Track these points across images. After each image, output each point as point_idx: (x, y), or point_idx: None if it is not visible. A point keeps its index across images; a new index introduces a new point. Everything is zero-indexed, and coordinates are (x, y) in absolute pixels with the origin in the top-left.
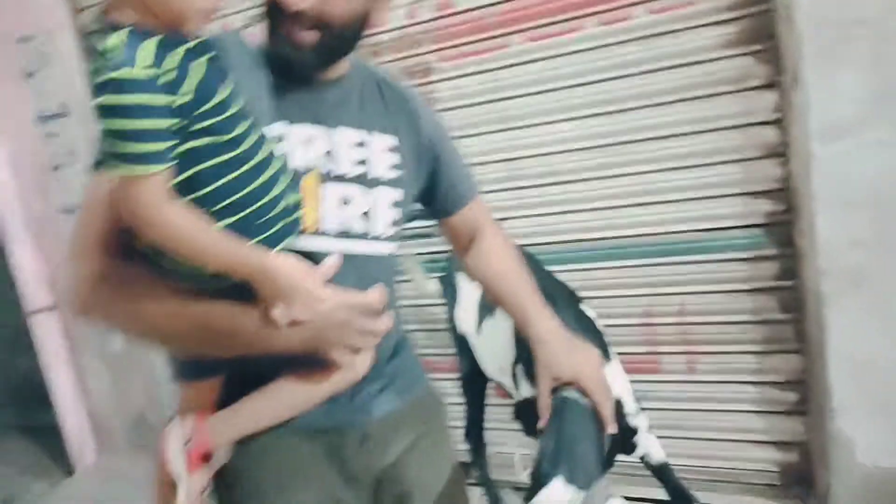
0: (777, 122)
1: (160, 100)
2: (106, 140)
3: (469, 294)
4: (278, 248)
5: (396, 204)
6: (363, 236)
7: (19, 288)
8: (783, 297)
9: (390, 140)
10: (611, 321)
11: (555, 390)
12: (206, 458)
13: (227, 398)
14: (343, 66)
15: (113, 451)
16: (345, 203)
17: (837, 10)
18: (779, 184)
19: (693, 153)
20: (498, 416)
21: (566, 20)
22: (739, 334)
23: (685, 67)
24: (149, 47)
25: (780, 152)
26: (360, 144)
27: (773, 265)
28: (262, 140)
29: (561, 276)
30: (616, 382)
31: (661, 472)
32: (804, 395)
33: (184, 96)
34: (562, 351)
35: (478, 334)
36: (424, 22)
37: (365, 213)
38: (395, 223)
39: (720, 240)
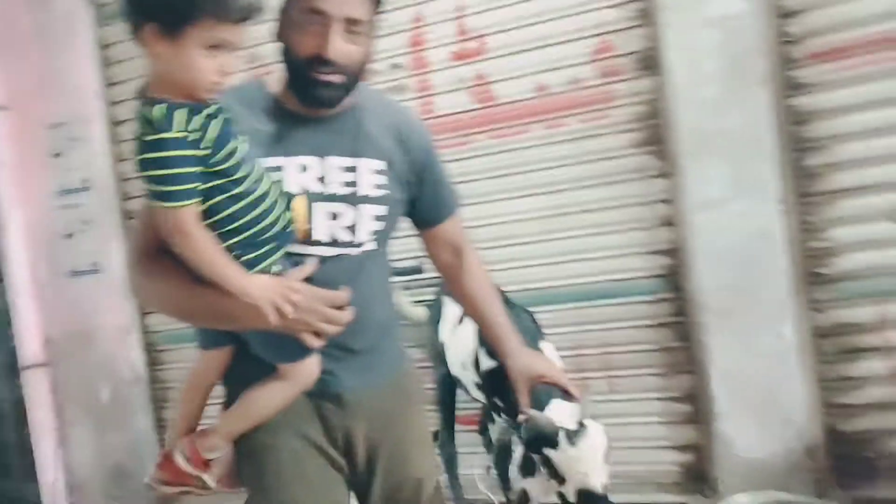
0: (667, 201)
1: (188, 153)
2: (150, 183)
3: (452, 310)
4: (274, 257)
5: (379, 217)
6: (349, 244)
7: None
8: (678, 330)
9: (378, 164)
10: None
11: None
12: (207, 463)
13: (233, 374)
14: (345, 103)
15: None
16: (333, 217)
17: (706, 122)
18: (670, 245)
19: (609, 222)
20: (462, 441)
21: (519, 125)
22: (647, 360)
23: (603, 161)
24: (180, 115)
25: (670, 222)
26: (350, 169)
27: (670, 306)
28: (261, 176)
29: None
30: (553, 356)
31: None
32: (696, 407)
33: (205, 150)
34: (529, 359)
35: (451, 337)
36: None
37: (350, 226)
38: (377, 232)
39: (630, 288)
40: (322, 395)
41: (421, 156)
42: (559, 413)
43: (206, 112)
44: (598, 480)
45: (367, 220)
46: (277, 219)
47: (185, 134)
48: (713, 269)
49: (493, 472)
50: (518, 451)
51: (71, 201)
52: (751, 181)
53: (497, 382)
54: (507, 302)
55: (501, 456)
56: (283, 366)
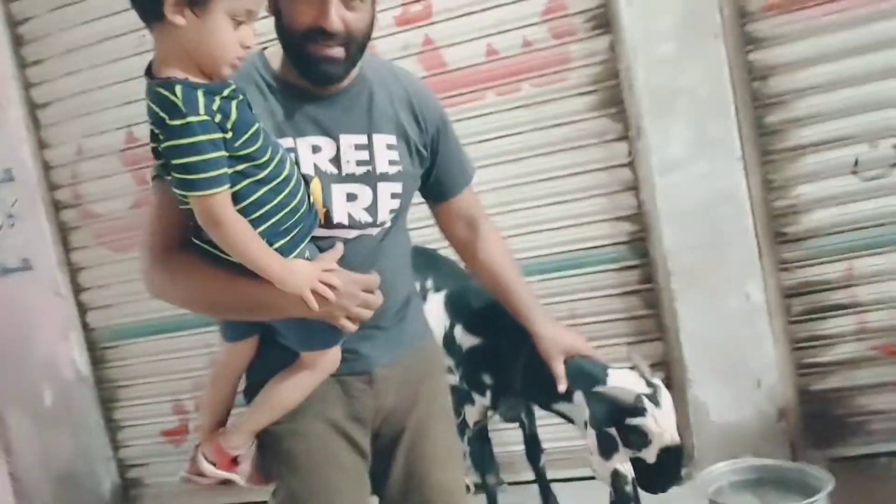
0: (629, 165)
1: (216, 136)
2: (177, 172)
3: None
4: (304, 244)
5: (395, 195)
6: (370, 224)
7: None
8: (646, 297)
9: (390, 138)
10: None
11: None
12: (234, 460)
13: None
14: (352, 75)
15: None
16: (351, 199)
17: (664, 81)
18: (634, 210)
19: (570, 190)
20: None
21: (470, 92)
22: (616, 329)
23: (560, 127)
24: (201, 98)
25: (633, 186)
26: (364, 146)
27: (636, 273)
28: (283, 158)
29: None
30: None
31: None
32: (668, 374)
33: (227, 132)
34: (560, 332)
35: None
36: None
37: (370, 206)
38: (394, 210)
39: (595, 256)
40: (350, 375)
41: (434, 127)
42: (623, 380)
43: (222, 95)
44: (676, 432)
45: (386, 198)
46: (302, 202)
47: (210, 117)
48: (678, 233)
49: (468, 455)
50: (590, 435)
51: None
52: (712, 140)
53: (486, 358)
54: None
55: (480, 437)
56: (309, 353)
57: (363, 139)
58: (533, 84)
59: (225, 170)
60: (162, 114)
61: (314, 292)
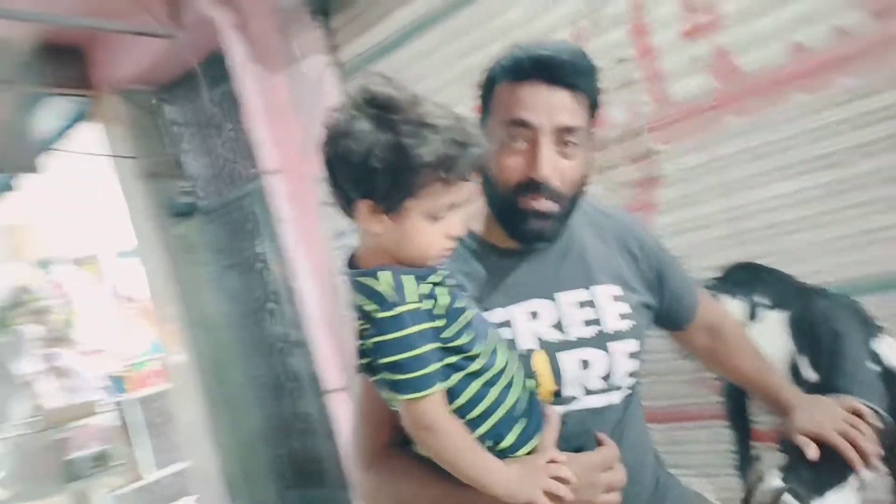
0: None
1: (427, 326)
2: (388, 370)
3: (732, 305)
4: (532, 442)
5: (633, 355)
6: (606, 391)
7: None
8: None
9: (615, 289)
10: None
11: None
12: None
13: None
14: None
15: None
16: (584, 367)
17: None
18: None
19: None
20: None
21: (773, 96)
22: None
23: (886, 121)
24: (410, 284)
25: None
26: (587, 303)
27: None
28: (496, 344)
29: None
30: None
31: None
32: None
33: (439, 320)
34: (813, 410)
35: None
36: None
37: (605, 374)
38: (634, 374)
39: None
40: None
41: (654, 263)
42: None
43: (431, 280)
44: None
45: (622, 361)
46: (521, 392)
47: (419, 304)
48: None
49: None
50: None
51: (343, 243)
52: None
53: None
54: (819, 293)
55: None
56: None
57: (584, 295)
58: (851, 76)
59: (437, 366)
60: (368, 307)
61: (547, 493)
